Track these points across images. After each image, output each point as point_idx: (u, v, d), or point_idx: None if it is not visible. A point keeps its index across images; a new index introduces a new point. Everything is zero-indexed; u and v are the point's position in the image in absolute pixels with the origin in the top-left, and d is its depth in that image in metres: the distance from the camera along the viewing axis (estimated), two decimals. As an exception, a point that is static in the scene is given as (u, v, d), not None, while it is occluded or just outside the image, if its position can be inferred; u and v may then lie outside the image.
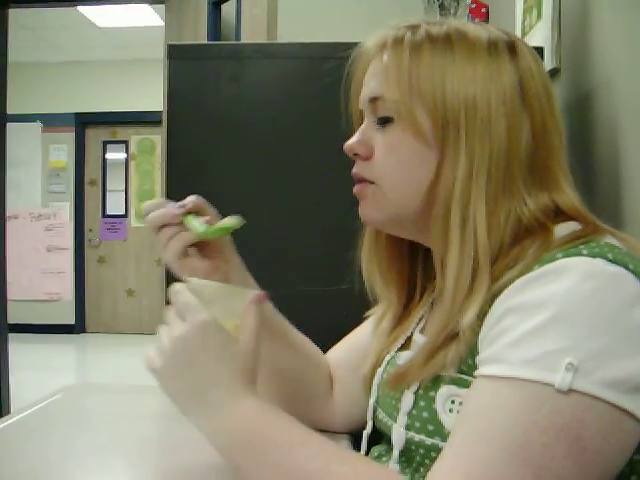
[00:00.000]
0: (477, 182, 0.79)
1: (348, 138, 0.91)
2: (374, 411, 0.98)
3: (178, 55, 1.61)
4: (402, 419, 0.85)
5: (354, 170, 0.91)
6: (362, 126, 0.91)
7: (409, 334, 0.97)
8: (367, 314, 1.09)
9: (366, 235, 1.00)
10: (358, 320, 1.11)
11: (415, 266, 1.00)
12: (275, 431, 0.78)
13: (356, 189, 0.91)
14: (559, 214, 0.81)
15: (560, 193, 0.82)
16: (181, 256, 0.97)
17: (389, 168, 0.86)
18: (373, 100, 0.88)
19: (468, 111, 0.80)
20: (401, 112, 0.84)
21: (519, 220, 0.79)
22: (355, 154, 0.90)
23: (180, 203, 0.96)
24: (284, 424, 0.79)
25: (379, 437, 0.97)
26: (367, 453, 0.98)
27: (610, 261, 0.68)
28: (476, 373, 0.71)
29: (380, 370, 0.98)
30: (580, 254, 0.70)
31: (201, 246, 0.99)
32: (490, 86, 0.81)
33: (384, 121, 0.87)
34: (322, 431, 1.08)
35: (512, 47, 0.85)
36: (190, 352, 0.80)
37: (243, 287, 0.89)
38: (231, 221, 0.94)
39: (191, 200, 0.97)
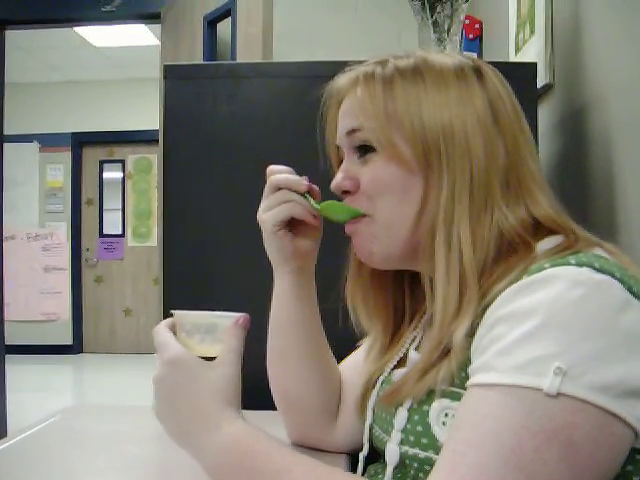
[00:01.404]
0: (460, 202, 0.82)
1: (328, 179, 0.92)
2: (370, 429, 0.98)
3: (174, 75, 1.62)
4: (396, 436, 0.86)
5: None
6: (343, 164, 0.92)
7: (402, 354, 0.97)
8: (359, 344, 1.09)
9: (349, 271, 1.01)
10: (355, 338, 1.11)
11: (401, 292, 1.01)
12: (260, 459, 0.77)
13: (349, 228, 0.92)
14: (539, 229, 0.82)
15: (536, 206, 0.83)
16: (280, 225, 0.98)
17: (380, 198, 0.87)
18: (351, 132, 0.90)
19: (446, 136, 0.83)
20: (382, 142, 0.86)
21: (501, 234, 0.81)
22: (344, 191, 0.91)
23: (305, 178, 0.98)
24: (269, 450, 0.78)
25: (377, 457, 0.97)
26: (364, 473, 0.98)
27: (597, 269, 0.70)
28: (467, 383, 0.72)
29: (374, 391, 0.98)
30: (568, 263, 0.71)
31: (296, 232, 1.00)
32: (464, 110, 0.84)
33: (365, 151, 0.89)
34: (321, 451, 1.09)
35: (478, 71, 0.89)
36: (167, 391, 0.82)
37: (225, 313, 0.88)
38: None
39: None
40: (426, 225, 0.84)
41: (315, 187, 0.98)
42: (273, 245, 1.01)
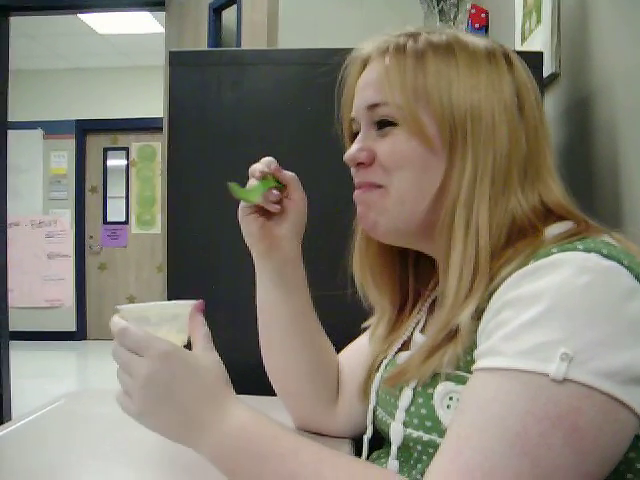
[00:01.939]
0: (481, 186, 0.82)
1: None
2: (374, 412, 0.98)
3: (179, 62, 1.61)
4: (400, 415, 0.86)
5: (357, 179, 0.91)
6: (360, 135, 0.91)
7: (406, 337, 0.98)
8: (364, 325, 1.09)
9: (356, 244, 1.01)
10: (355, 326, 1.11)
11: (406, 272, 1.01)
12: (267, 442, 0.77)
13: (358, 193, 0.91)
14: (548, 215, 0.82)
15: (548, 192, 0.84)
16: (248, 210, 1.01)
17: (397, 171, 0.86)
18: (373, 107, 0.88)
19: (474, 118, 0.83)
20: (407, 117, 0.85)
21: (513, 220, 0.81)
22: (358, 163, 0.90)
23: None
24: (274, 433, 0.78)
25: (380, 442, 0.98)
26: (368, 457, 0.99)
27: (604, 256, 0.70)
28: (473, 367, 0.72)
29: (378, 374, 0.99)
30: (575, 249, 0.71)
31: (268, 216, 1.02)
32: (493, 94, 0.84)
33: (385, 125, 0.87)
34: (324, 436, 1.10)
35: (507, 57, 0.88)
36: (162, 386, 0.76)
37: (178, 302, 0.87)
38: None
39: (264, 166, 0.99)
40: (444, 205, 0.84)
41: (268, 171, 0.98)
42: (243, 229, 1.03)
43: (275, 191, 0.99)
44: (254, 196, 0.98)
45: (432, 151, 0.84)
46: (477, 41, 0.88)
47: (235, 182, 0.95)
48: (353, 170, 0.92)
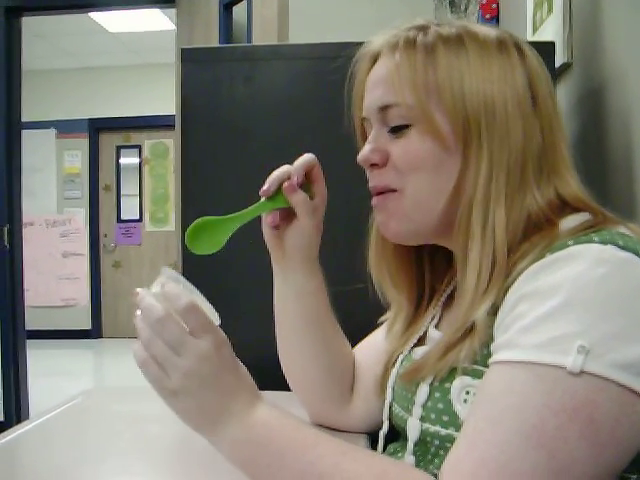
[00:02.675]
0: (497, 183, 0.81)
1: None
2: (390, 408, 0.98)
3: (191, 58, 1.61)
4: (417, 411, 0.86)
5: (372, 183, 0.90)
6: (372, 134, 0.90)
7: (422, 332, 0.98)
8: (381, 320, 1.09)
9: (372, 240, 1.00)
10: (374, 320, 1.11)
11: (422, 267, 1.01)
12: (288, 434, 0.77)
13: (376, 201, 0.91)
14: (564, 207, 0.81)
15: (565, 185, 0.83)
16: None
17: (412, 173, 0.85)
18: (384, 108, 0.87)
19: (487, 113, 0.81)
20: (419, 117, 0.83)
21: (529, 215, 0.80)
22: (372, 164, 0.89)
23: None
24: (296, 426, 0.78)
25: (396, 437, 0.97)
26: (384, 452, 0.98)
27: (621, 247, 0.69)
28: (490, 360, 0.72)
29: (394, 370, 0.98)
30: (591, 241, 0.70)
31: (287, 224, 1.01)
32: (505, 86, 0.82)
33: (399, 129, 0.86)
34: (340, 431, 1.10)
35: (519, 47, 0.87)
36: (211, 372, 0.75)
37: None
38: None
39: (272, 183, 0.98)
40: (461, 203, 0.83)
41: (270, 189, 0.97)
42: (264, 235, 1.03)
43: (270, 218, 0.99)
44: (240, 219, 0.95)
45: (446, 150, 0.83)
46: (487, 31, 0.87)
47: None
48: (367, 171, 0.91)
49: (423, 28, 0.87)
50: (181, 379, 0.75)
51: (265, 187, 0.97)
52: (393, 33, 0.89)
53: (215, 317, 0.80)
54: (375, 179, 0.90)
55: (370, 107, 0.90)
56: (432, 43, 0.84)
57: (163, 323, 0.75)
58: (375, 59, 0.91)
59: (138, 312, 0.78)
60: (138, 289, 0.80)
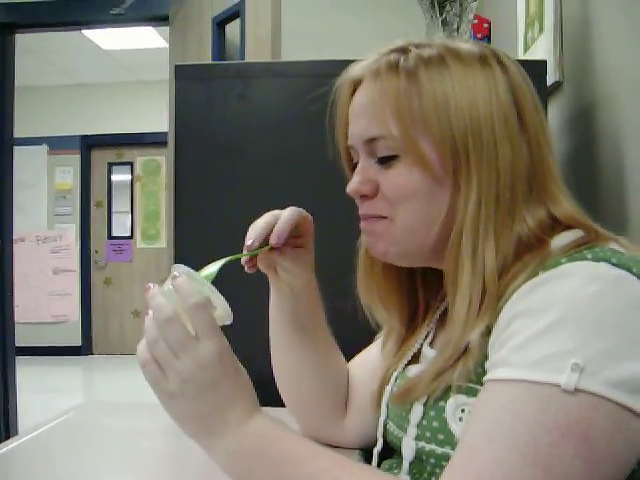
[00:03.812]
0: (487, 209, 0.80)
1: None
2: (384, 426, 0.98)
3: (184, 75, 1.62)
4: (412, 431, 0.86)
5: (361, 211, 0.90)
6: (360, 165, 0.88)
7: (416, 350, 0.97)
8: (377, 336, 1.09)
9: (360, 263, 0.99)
10: (369, 335, 1.11)
11: (414, 286, 1.00)
12: (287, 446, 0.77)
13: (365, 224, 0.90)
14: (556, 226, 0.81)
15: (557, 206, 0.82)
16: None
17: (402, 203, 0.84)
18: (370, 141, 0.86)
19: (475, 137, 0.80)
20: (406, 148, 0.82)
21: (519, 238, 0.79)
22: (362, 195, 0.88)
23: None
24: (294, 438, 0.78)
25: (390, 453, 0.97)
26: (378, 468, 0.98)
27: (614, 265, 0.69)
28: (484, 378, 0.72)
29: (388, 387, 0.98)
30: (584, 258, 0.71)
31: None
32: (491, 107, 0.81)
33: (387, 159, 0.85)
34: (333, 447, 1.09)
35: (499, 60, 0.85)
36: (211, 377, 0.75)
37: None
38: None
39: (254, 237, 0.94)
40: (451, 229, 0.82)
41: (254, 244, 0.93)
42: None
43: (248, 264, 0.97)
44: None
45: (436, 179, 0.82)
46: (468, 47, 0.85)
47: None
48: (357, 201, 0.90)
49: (403, 50, 0.85)
50: (179, 383, 0.75)
51: (248, 242, 0.93)
52: (374, 58, 0.87)
53: (228, 312, 0.79)
54: (365, 209, 0.89)
55: (356, 136, 0.88)
56: (414, 67, 0.82)
57: (169, 324, 0.75)
58: (356, 85, 0.89)
59: (150, 312, 0.78)
60: (150, 284, 0.80)
